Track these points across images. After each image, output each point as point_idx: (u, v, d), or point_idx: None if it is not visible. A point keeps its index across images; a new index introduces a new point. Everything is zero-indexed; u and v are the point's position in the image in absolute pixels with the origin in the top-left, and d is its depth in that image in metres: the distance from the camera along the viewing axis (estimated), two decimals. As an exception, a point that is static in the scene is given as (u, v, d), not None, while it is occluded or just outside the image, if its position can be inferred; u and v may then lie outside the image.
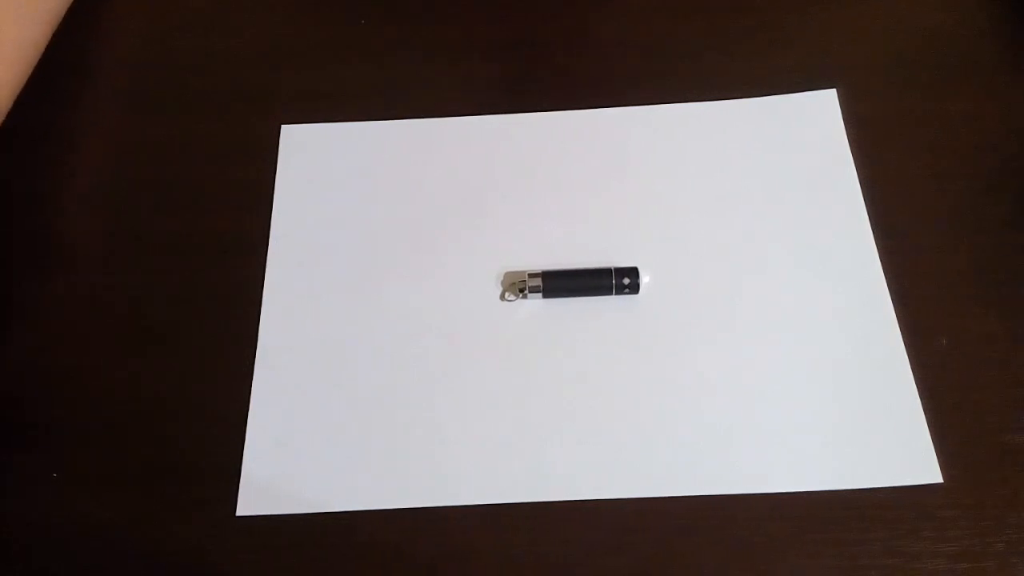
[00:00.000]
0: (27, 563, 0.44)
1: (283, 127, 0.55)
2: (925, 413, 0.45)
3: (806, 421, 0.45)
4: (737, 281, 0.49)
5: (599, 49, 0.58)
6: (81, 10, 0.60)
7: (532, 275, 0.49)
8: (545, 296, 0.49)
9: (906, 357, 0.46)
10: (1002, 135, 0.53)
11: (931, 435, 0.44)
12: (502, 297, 0.49)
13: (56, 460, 0.46)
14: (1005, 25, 0.57)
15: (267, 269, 0.51)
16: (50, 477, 0.45)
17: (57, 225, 0.53)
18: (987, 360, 0.46)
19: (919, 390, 0.45)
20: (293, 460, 0.45)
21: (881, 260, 0.49)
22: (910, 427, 0.45)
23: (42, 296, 0.51)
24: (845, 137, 0.53)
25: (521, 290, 0.49)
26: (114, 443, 0.46)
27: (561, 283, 0.49)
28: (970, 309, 0.48)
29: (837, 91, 0.55)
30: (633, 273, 0.48)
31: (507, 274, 0.50)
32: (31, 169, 0.56)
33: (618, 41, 0.59)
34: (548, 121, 0.55)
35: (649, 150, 0.53)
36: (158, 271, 0.51)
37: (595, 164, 0.53)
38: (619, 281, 0.48)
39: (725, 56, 0.57)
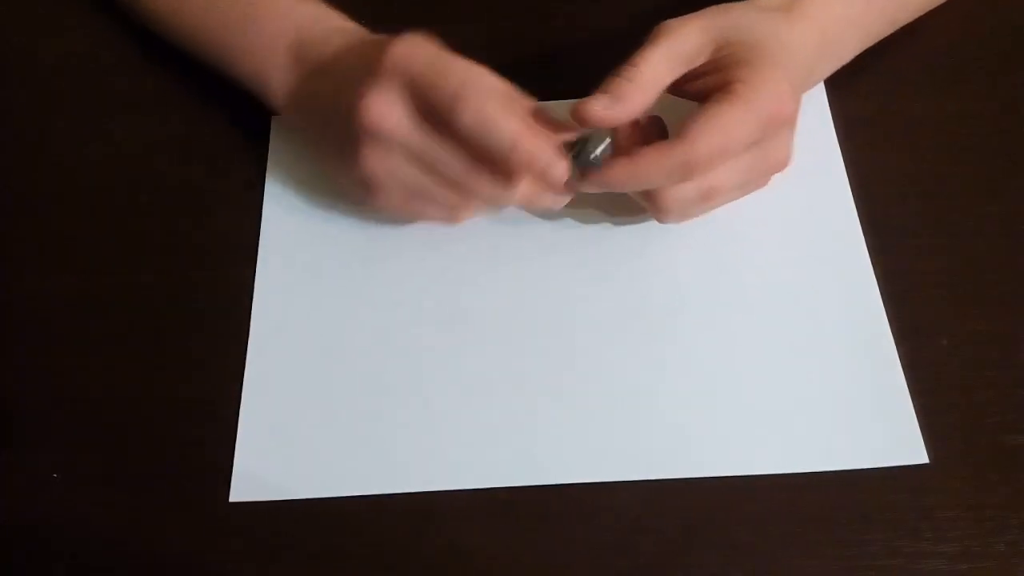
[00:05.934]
0: (27, 563, 0.44)
1: (273, 117, 0.55)
2: (925, 412, 0.45)
3: (793, 409, 0.45)
4: (723, 268, 0.49)
5: (602, 47, 0.58)
6: (80, 11, 0.60)
7: None
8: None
9: (896, 355, 0.46)
10: (1000, 135, 0.53)
11: (930, 434, 0.44)
12: None
13: (56, 460, 0.46)
14: (1004, 25, 0.57)
15: (258, 264, 0.51)
16: (50, 477, 0.45)
17: (57, 225, 0.53)
18: (987, 360, 0.46)
19: (919, 390, 0.45)
20: (286, 458, 0.45)
21: (879, 261, 0.49)
22: (898, 416, 0.45)
23: (42, 296, 0.51)
24: (835, 135, 0.53)
25: None
26: (114, 443, 0.46)
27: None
28: (970, 309, 0.48)
29: (826, 88, 0.54)
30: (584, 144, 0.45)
31: None
32: (31, 169, 0.56)
33: (620, 42, 0.58)
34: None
35: None
36: (158, 271, 0.51)
37: None
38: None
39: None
